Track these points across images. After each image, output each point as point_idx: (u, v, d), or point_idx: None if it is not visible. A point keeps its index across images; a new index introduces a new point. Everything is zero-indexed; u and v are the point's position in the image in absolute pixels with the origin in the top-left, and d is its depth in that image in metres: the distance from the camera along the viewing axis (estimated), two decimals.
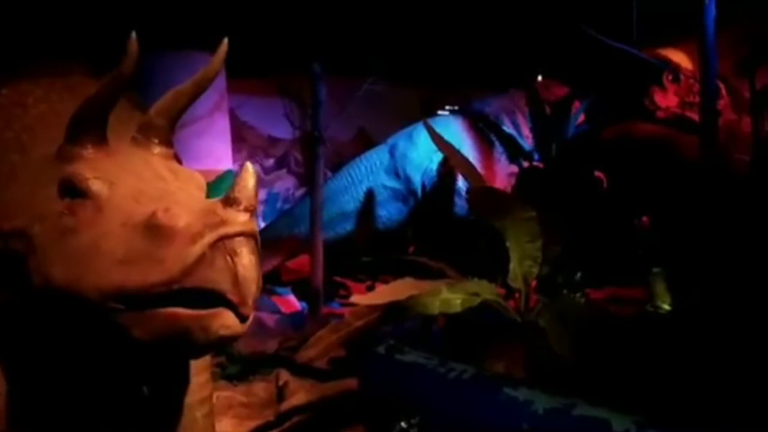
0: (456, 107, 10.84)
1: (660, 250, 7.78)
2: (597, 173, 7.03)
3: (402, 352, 4.68)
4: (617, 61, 10.37)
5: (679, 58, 10.19)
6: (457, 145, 8.85)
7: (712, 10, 6.76)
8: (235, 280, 1.95)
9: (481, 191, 5.15)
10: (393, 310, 5.04)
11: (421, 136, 8.53)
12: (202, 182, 2.45)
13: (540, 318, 4.84)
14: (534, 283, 5.23)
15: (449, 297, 5.05)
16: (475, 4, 9.89)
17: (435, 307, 5.02)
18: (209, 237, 1.94)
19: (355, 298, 5.60)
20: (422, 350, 4.64)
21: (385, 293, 5.04)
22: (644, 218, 8.04)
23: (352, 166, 9.29)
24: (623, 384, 4.44)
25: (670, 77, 10.70)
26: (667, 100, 10.26)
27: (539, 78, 12.01)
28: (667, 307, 7.68)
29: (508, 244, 4.97)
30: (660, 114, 9.62)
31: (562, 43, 9.09)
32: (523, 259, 4.98)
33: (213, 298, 1.96)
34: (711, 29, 6.80)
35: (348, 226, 8.73)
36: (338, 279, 8.34)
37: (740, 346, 6.08)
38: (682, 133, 8.51)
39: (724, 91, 10.46)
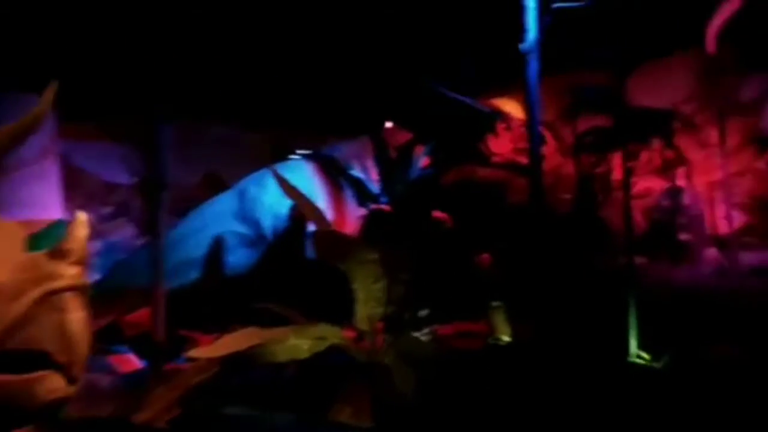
0: (307, 151, 10.94)
1: (499, 285, 8.29)
2: (440, 214, 7.39)
3: (224, 407, 4.56)
4: (456, 110, 11.18)
5: (511, 106, 11.15)
6: (307, 190, 8.93)
7: (534, 64, 7.43)
8: (63, 339, 1.82)
9: (324, 235, 5.20)
10: (236, 361, 4.86)
11: (271, 180, 8.47)
12: (22, 233, 2.25)
13: (385, 358, 4.91)
14: (381, 323, 5.32)
15: (296, 343, 4.98)
16: (325, 53, 10.19)
17: (282, 354, 4.92)
18: (33, 293, 1.79)
19: (193, 352, 5.32)
20: (245, 404, 4.54)
21: (225, 345, 4.85)
22: (485, 255, 8.55)
23: (199, 211, 8.96)
24: (465, 419, 4.61)
25: (504, 126, 11.74)
26: (500, 146, 11.20)
27: (387, 124, 12.54)
28: (507, 339, 8.18)
29: (353, 286, 5.03)
30: (495, 159, 10.47)
31: (408, 93, 9.60)
32: (368, 301, 5.05)
33: (38, 360, 1.84)
34: (534, 81, 7.45)
35: (194, 274, 8.33)
36: (184, 332, 7.90)
37: (573, 374, 6.60)
38: (514, 176, 9.28)
39: (549, 137, 11.60)
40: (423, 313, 6.28)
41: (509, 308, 8.19)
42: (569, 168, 11.91)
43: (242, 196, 8.92)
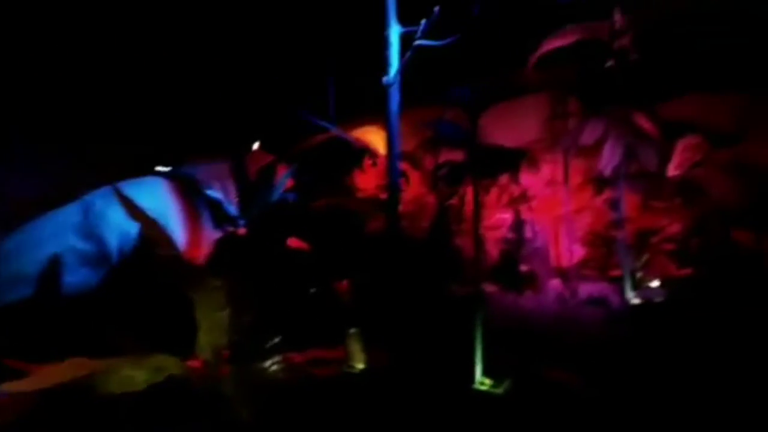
0: (165, 168, 10.44)
1: (356, 312, 8.35)
2: (296, 242, 7.33)
3: None
4: (325, 140, 11.26)
5: (377, 136, 11.39)
6: (161, 209, 8.48)
7: (396, 97, 7.66)
8: None
9: (168, 260, 4.93)
10: (62, 394, 4.45)
11: (125, 196, 7.94)
12: None
13: (225, 388, 4.73)
14: (226, 353, 5.13)
15: (132, 374, 4.68)
16: (195, 73, 9.89)
17: (115, 386, 4.60)
18: None
19: (6, 386, 4.81)
20: None
21: (47, 376, 4.43)
22: (343, 282, 8.59)
23: (35, 224, 8.18)
24: None
25: (370, 162, 11.99)
26: (366, 182, 11.44)
27: (255, 145, 12.31)
28: (361, 366, 8.23)
29: (197, 314, 4.82)
30: (359, 194, 10.64)
31: (276, 118, 9.52)
32: (211, 330, 4.86)
33: None
34: (395, 113, 7.67)
35: (24, 292, 7.55)
36: (9, 360, 7.10)
37: (420, 400, 6.77)
38: (376, 208, 9.45)
39: (410, 169, 12.02)
40: (272, 341, 6.13)
41: (365, 335, 8.26)
42: (431, 197, 12.38)
43: (87, 210, 8.25)
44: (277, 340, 6.22)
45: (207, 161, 9.28)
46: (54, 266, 7.64)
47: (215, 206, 7.69)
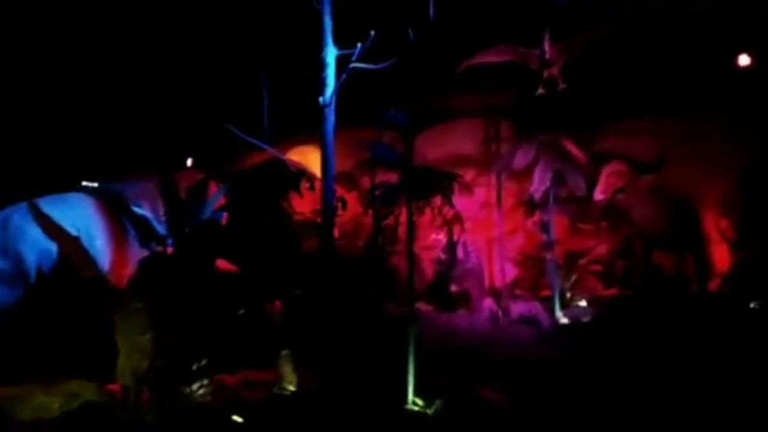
0: (96, 183, 10.07)
1: (289, 333, 8.23)
2: (225, 264, 7.16)
3: None
4: (262, 162, 11.10)
5: (313, 157, 11.34)
6: (85, 226, 8.10)
7: (331, 117, 7.62)
8: None
9: (89, 282, 4.74)
10: None
11: (46, 211, 7.56)
12: None
13: (147, 414, 4.56)
14: (148, 377, 4.95)
15: (44, 401, 4.45)
16: (128, 92, 9.65)
17: (27, 412, 4.35)
18: None
19: None
20: None
21: None
22: (276, 303, 8.46)
23: None
24: None
25: (308, 185, 11.93)
26: (303, 206, 11.39)
27: (188, 162, 12.03)
28: (292, 388, 8.09)
29: (116, 337, 4.64)
30: (297, 218, 10.56)
31: (210, 137, 9.32)
32: (132, 353, 4.70)
33: None
34: (330, 133, 7.61)
35: None
36: None
37: (351, 422, 6.70)
38: (312, 232, 9.36)
39: (344, 190, 12.07)
40: (199, 364, 5.95)
41: (297, 356, 8.14)
42: (368, 218, 12.42)
43: (4, 225, 7.76)
44: (203, 362, 6.02)
45: (136, 178, 8.98)
46: None
47: (142, 224, 7.41)
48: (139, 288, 5.73)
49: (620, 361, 8.93)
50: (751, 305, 10.09)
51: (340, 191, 12.02)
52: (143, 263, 6.29)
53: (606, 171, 11.51)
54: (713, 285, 11.22)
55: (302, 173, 10.38)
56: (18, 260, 7.38)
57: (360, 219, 12.89)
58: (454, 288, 11.82)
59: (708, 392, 7.49)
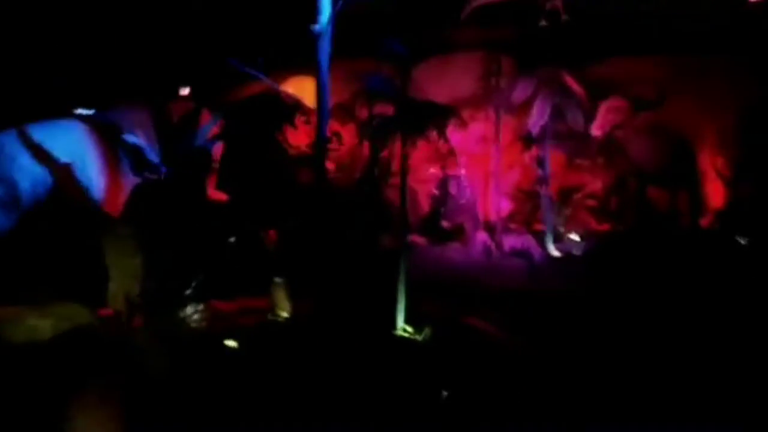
0: (91, 110, 9.96)
1: (283, 262, 8.36)
2: (217, 195, 7.18)
3: None
4: (257, 93, 10.89)
5: (310, 87, 11.18)
6: (78, 154, 8.06)
7: (325, 47, 7.45)
8: None
9: (76, 212, 4.78)
10: None
11: (36, 136, 7.50)
12: None
13: (138, 338, 4.71)
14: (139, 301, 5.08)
15: (36, 323, 4.58)
16: (120, 18, 9.38)
17: (19, 335, 4.49)
18: None
19: None
20: None
21: None
22: (271, 232, 8.55)
23: None
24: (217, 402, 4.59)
25: (303, 119, 11.74)
26: (298, 139, 11.24)
27: (183, 91, 11.83)
28: (285, 315, 8.30)
29: (106, 262, 4.72)
30: (292, 151, 10.46)
31: (205, 66, 9.11)
32: (122, 277, 4.79)
33: None
34: (325, 63, 7.47)
35: None
36: None
37: (342, 348, 6.90)
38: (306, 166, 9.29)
39: (342, 119, 11.95)
40: (191, 289, 6.08)
41: (291, 284, 8.30)
42: (365, 149, 12.36)
43: None
44: (195, 286, 6.15)
45: (130, 107, 8.87)
46: None
47: (135, 153, 7.39)
48: (131, 214, 5.79)
49: (610, 295, 9.13)
50: (741, 241, 10.21)
51: (335, 125, 11.92)
52: (135, 190, 6.32)
53: (604, 107, 11.36)
54: (705, 221, 11.32)
55: (297, 106, 10.23)
56: (11, 186, 7.39)
57: (356, 151, 12.83)
58: (446, 222, 11.89)
59: (697, 325, 7.72)
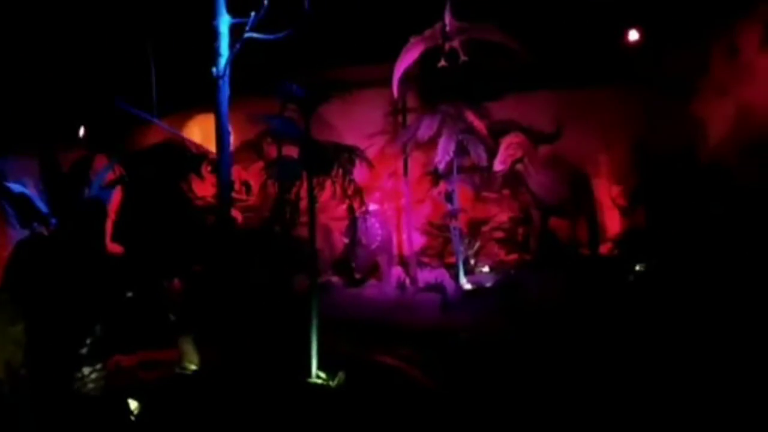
0: None
1: (189, 311, 8.02)
2: (114, 247, 6.81)
3: None
4: (161, 142, 10.60)
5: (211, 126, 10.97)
6: None
7: (225, 89, 7.34)
8: None
9: None
10: None
11: None
12: None
13: (23, 407, 4.33)
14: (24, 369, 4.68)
15: None
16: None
17: None
18: None
19: None
20: None
21: None
22: (175, 281, 8.20)
23: None
24: None
25: (209, 168, 11.48)
26: (204, 189, 10.99)
27: (81, 131, 11.30)
28: (194, 367, 7.93)
29: None
30: (198, 202, 10.18)
31: (95, 108, 8.75)
32: (3, 346, 4.40)
33: None
34: (224, 104, 7.34)
35: None
36: None
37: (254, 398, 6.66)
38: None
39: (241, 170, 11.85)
40: (84, 350, 5.68)
41: (198, 334, 7.96)
42: (274, 188, 12.20)
43: None
44: (88, 347, 5.75)
45: (18, 154, 8.34)
46: None
47: (22, 202, 6.90)
48: (11, 275, 5.36)
49: (518, 323, 9.36)
50: (637, 267, 10.79)
51: (240, 173, 11.72)
52: (18, 246, 5.87)
53: (505, 142, 11.84)
54: (604, 249, 11.91)
55: (204, 155, 9.98)
56: None
57: (264, 191, 12.65)
58: (358, 261, 11.88)
59: (598, 345, 8.02)
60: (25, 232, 7.40)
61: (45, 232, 6.49)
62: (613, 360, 7.61)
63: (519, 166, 12.00)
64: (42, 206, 7.08)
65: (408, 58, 11.42)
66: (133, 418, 5.95)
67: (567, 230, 12.46)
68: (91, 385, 6.08)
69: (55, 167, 6.94)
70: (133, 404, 6.21)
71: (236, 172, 10.74)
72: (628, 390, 6.82)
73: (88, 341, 5.55)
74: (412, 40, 11.55)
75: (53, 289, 4.76)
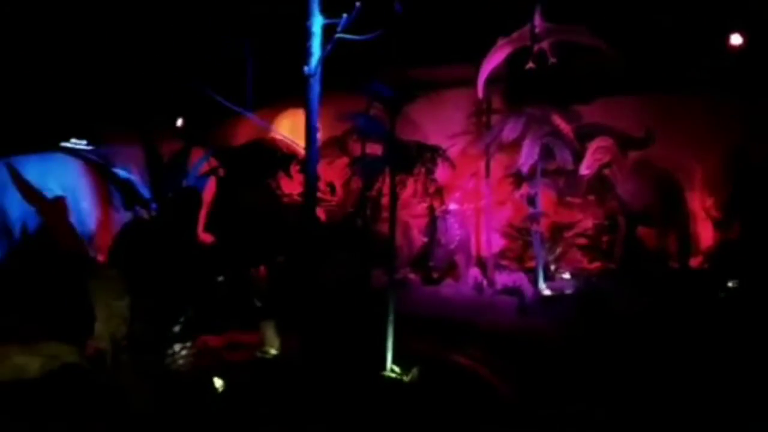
0: (84, 141, 10.11)
1: (272, 298, 8.38)
2: (206, 237, 7.25)
3: None
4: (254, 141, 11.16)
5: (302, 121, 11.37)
6: (71, 188, 8.20)
7: (316, 87, 7.61)
8: None
9: (63, 253, 4.85)
10: None
11: (30, 168, 7.61)
12: None
13: (124, 379, 4.72)
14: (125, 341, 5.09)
15: (24, 361, 4.58)
16: (113, 50, 9.58)
17: (5, 373, 4.50)
18: None
19: None
20: None
21: None
22: (261, 268, 8.59)
23: None
24: None
25: (298, 168, 11.91)
26: (291, 188, 11.43)
27: (179, 122, 12.01)
28: (274, 351, 8.29)
29: (93, 303, 4.76)
30: (285, 200, 10.61)
31: (193, 101, 9.28)
32: (110, 318, 4.81)
33: None
34: (315, 103, 7.60)
35: None
36: None
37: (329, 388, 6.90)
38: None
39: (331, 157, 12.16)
40: (178, 327, 6.09)
41: (281, 321, 8.29)
42: (357, 183, 12.49)
43: None
44: (182, 325, 6.15)
45: (121, 142, 9.02)
46: None
47: (126, 187, 7.48)
48: (120, 255, 5.84)
49: (599, 333, 9.14)
50: (730, 284, 10.27)
51: (326, 173, 12.08)
52: (124, 228, 6.38)
53: (592, 146, 11.53)
54: (695, 262, 11.40)
55: (293, 155, 10.43)
56: (2, 214, 7.47)
57: (350, 186, 12.95)
58: (436, 261, 11.96)
59: (683, 363, 7.72)
60: (128, 215, 8.02)
61: (146, 216, 7.01)
62: (698, 381, 7.32)
63: (606, 171, 11.67)
64: (144, 192, 7.64)
65: (495, 59, 11.37)
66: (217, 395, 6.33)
67: (655, 240, 12.01)
68: (180, 362, 6.51)
69: (158, 156, 7.46)
70: (218, 382, 6.62)
71: (322, 172, 11.12)
72: (713, 411, 6.55)
73: (181, 320, 5.96)
74: (499, 41, 11.51)
75: (152, 270, 5.15)
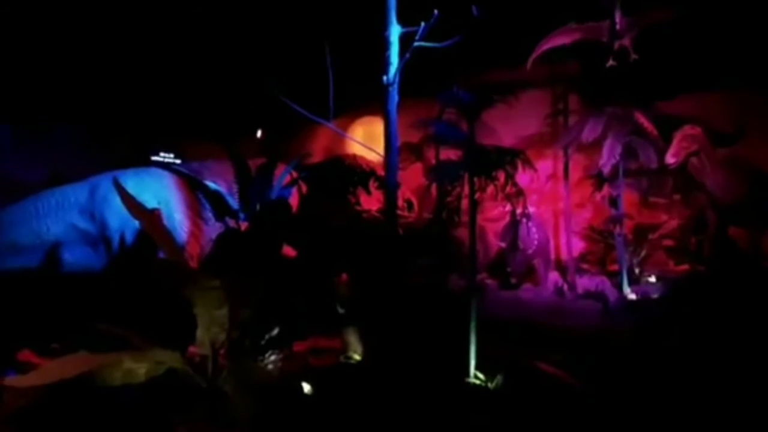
0: (171, 155, 10.61)
1: (355, 305, 8.52)
2: (290, 250, 7.45)
3: None
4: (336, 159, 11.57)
5: (377, 129, 11.53)
6: (165, 200, 8.65)
7: (394, 96, 7.70)
8: None
9: (164, 265, 5.11)
10: (65, 387, 4.65)
11: (129, 181, 8.09)
12: None
13: (224, 384, 4.93)
14: (224, 348, 5.31)
15: (133, 367, 4.85)
16: (190, 65, 10.02)
17: (117, 378, 4.78)
18: None
19: (13, 380, 5.00)
20: None
21: (50, 371, 4.59)
22: (343, 276, 8.74)
23: (40, 197, 8.22)
24: None
25: (376, 185, 12.20)
26: (370, 203, 11.69)
27: (259, 133, 12.46)
28: (357, 357, 8.42)
29: (195, 311, 5.00)
30: (364, 215, 10.84)
31: (274, 111, 9.63)
32: (210, 326, 5.03)
33: None
34: (394, 112, 7.71)
35: (19, 262, 7.69)
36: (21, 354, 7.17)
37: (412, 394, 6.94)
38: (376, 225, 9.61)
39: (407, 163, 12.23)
40: (270, 335, 6.30)
41: (363, 326, 8.41)
42: (434, 188, 12.53)
43: (93, 191, 8.38)
44: (275, 333, 6.38)
45: (205, 156, 9.45)
46: (54, 241, 7.72)
47: (216, 199, 7.83)
48: (215, 265, 6.10)
49: (688, 340, 8.78)
50: None
51: (404, 192, 12.26)
52: (218, 240, 6.69)
53: (679, 135, 10.98)
54: None
55: (372, 172, 10.75)
56: (103, 225, 7.98)
57: (425, 191, 13.03)
58: (515, 265, 11.81)
59: None
60: (217, 227, 8.38)
61: (236, 229, 7.31)
62: None
63: (694, 161, 11.07)
64: (233, 203, 7.97)
65: (557, 39, 11.07)
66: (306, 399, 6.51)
67: (748, 241, 11.41)
68: (270, 367, 6.74)
69: (247, 169, 7.77)
70: (306, 387, 6.80)
71: (400, 192, 11.34)
72: None
73: (275, 330, 6.19)
74: (571, 24, 11.17)
75: (247, 282, 5.36)
